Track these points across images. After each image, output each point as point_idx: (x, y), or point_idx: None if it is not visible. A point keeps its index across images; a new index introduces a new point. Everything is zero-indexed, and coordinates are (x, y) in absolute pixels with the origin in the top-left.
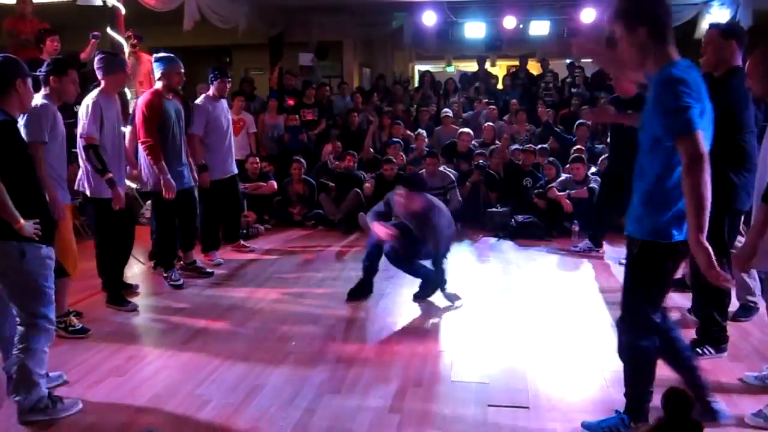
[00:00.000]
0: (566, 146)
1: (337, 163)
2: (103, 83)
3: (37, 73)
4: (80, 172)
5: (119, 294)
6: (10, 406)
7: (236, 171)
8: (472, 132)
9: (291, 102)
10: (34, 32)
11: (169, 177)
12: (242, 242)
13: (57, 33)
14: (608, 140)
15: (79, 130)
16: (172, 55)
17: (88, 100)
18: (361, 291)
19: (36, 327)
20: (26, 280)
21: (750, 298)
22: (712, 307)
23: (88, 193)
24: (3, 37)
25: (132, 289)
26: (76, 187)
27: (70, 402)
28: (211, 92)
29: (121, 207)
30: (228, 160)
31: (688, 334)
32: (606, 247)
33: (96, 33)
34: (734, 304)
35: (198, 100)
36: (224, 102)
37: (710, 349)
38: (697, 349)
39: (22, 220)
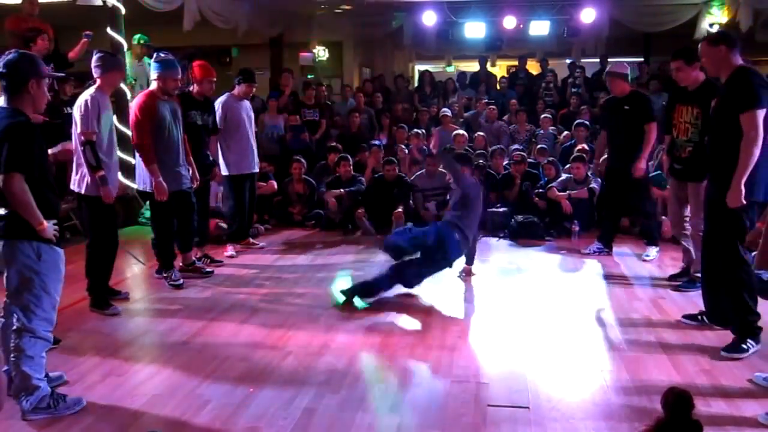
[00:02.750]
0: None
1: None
2: (99, 81)
3: (58, 74)
4: (74, 170)
5: (103, 297)
6: (11, 406)
7: (256, 170)
8: (466, 134)
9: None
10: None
11: (160, 179)
12: (251, 240)
13: (46, 32)
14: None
15: (79, 126)
16: (172, 58)
17: (86, 96)
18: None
19: (34, 332)
20: (38, 281)
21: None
22: (744, 294)
23: (83, 191)
24: (4, 37)
25: (119, 296)
26: (71, 186)
27: (72, 400)
28: (236, 92)
29: (109, 201)
30: (247, 158)
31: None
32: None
33: (88, 32)
34: None
35: (220, 99)
36: (247, 102)
37: (752, 342)
38: (743, 346)
39: (44, 222)
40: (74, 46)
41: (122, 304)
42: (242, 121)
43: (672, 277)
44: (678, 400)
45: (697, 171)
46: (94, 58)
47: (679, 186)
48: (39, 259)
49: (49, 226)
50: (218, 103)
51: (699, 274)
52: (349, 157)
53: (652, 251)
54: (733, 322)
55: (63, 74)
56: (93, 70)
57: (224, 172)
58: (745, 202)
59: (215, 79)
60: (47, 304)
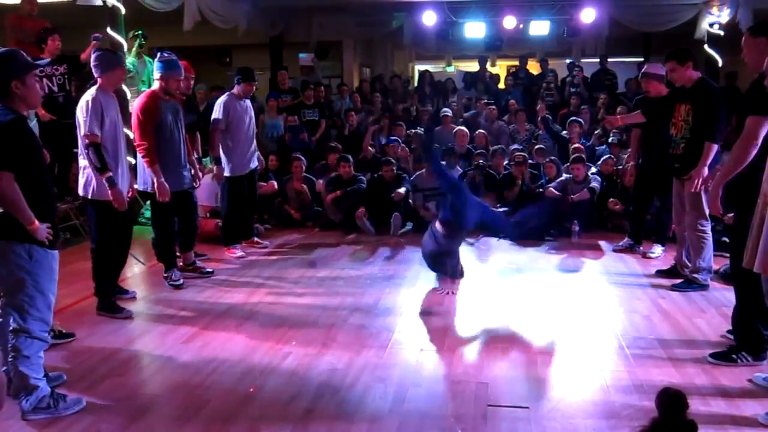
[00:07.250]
0: (562, 144)
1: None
2: (100, 81)
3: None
4: (81, 173)
5: (111, 301)
6: (10, 406)
7: (253, 165)
8: (467, 131)
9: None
10: (35, 31)
11: (163, 180)
12: (255, 239)
13: (58, 32)
14: (610, 140)
15: (82, 129)
16: (175, 59)
17: (87, 97)
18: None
19: (29, 332)
20: (30, 282)
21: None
22: (756, 316)
23: (89, 195)
24: (4, 37)
25: (127, 295)
26: (78, 191)
27: (72, 400)
28: (235, 91)
29: (122, 207)
30: (245, 157)
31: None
32: (605, 247)
33: (98, 35)
34: None
35: (222, 97)
36: (248, 101)
37: (747, 356)
38: (733, 356)
39: (36, 222)
40: (75, 45)
41: (126, 304)
42: (243, 121)
43: (659, 273)
44: (672, 400)
45: (690, 168)
46: (93, 56)
47: (679, 184)
48: (31, 260)
49: (41, 228)
50: (219, 103)
51: (696, 275)
52: (349, 157)
53: (658, 249)
54: (739, 335)
55: (47, 62)
56: (93, 70)
57: (225, 172)
58: (722, 211)
59: (194, 77)
60: (42, 305)
